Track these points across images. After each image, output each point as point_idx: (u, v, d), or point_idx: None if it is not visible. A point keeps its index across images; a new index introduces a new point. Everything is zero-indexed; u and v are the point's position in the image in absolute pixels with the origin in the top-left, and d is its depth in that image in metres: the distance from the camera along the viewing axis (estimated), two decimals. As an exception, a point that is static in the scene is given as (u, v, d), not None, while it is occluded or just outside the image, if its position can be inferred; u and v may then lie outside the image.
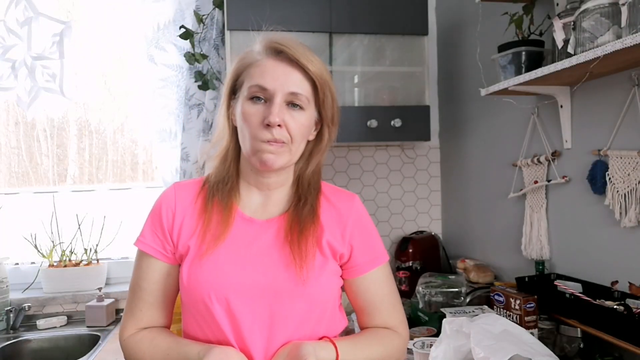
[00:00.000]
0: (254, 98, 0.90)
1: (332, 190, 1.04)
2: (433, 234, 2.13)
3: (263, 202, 0.99)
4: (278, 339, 0.90)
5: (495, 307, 1.38)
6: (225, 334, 0.89)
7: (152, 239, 0.96)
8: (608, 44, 1.00)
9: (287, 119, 0.89)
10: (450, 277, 1.69)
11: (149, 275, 0.96)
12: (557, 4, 1.37)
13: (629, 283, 1.19)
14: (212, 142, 1.01)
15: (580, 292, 1.25)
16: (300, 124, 0.91)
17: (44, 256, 1.96)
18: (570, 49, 1.15)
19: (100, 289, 1.88)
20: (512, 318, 1.30)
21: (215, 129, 1.02)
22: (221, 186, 0.96)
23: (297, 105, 0.91)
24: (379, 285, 1.01)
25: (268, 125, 0.88)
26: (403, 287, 1.96)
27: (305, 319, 0.92)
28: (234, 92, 0.96)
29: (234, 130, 0.97)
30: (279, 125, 0.88)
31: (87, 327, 1.80)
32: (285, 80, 0.89)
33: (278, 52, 0.90)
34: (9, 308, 1.79)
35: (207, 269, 0.90)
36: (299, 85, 0.90)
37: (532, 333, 1.21)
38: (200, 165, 1.87)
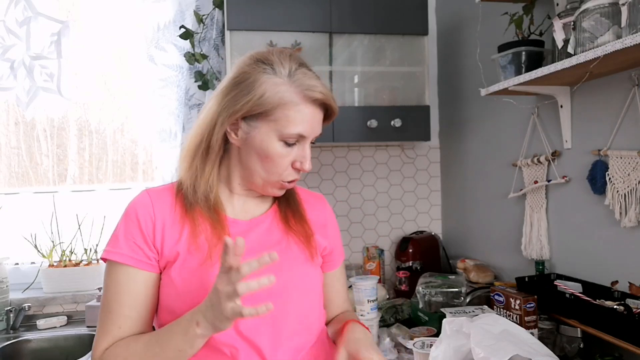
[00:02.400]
0: (289, 142, 0.91)
1: (302, 189, 1.12)
2: (433, 234, 2.13)
3: (243, 204, 1.00)
4: (284, 322, 0.92)
5: (495, 307, 1.38)
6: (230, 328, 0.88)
7: (130, 249, 0.90)
8: (608, 44, 1.00)
9: None
10: (450, 277, 1.68)
11: (130, 287, 0.89)
12: (557, 4, 1.37)
13: (629, 283, 1.19)
14: (189, 146, 0.97)
15: (580, 292, 1.24)
16: None
17: (44, 256, 1.96)
18: (570, 49, 1.15)
19: (100, 289, 1.88)
20: (512, 318, 1.30)
21: None
22: (203, 196, 0.94)
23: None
24: (344, 278, 1.16)
25: (296, 168, 0.94)
26: (403, 287, 1.96)
27: (308, 301, 0.97)
28: (251, 113, 0.91)
29: (222, 143, 0.95)
30: None
31: (87, 327, 1.80)
32: (317, 126, 0.94)
33: (317, 101, 0.92)
34: (9, 308, 1.79)
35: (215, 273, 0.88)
36: (321, 126, 0.96)
37: (532, 333, 1.21)
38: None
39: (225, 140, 0.95)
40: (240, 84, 0.90)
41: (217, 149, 0.94)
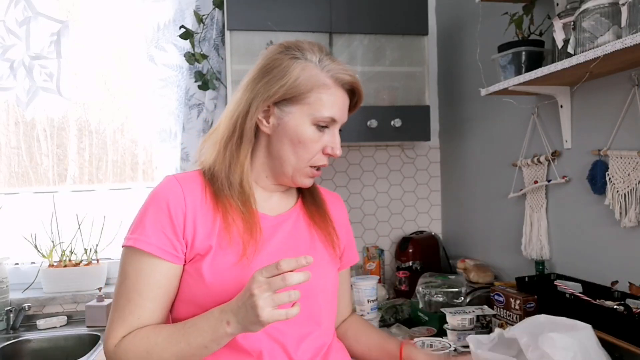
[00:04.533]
0: (321, 126, 0.92)
1: (321, 188, 1.11)
2: (433, 234, 2.13)
3: (270, 198, 1.00)
4: (308, 322, 0.93)
5: (495, 307, 1.38)
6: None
7: (158, 238, 0.87)
8: (608, 44, 1.00)
9: None
10: (450, 277, 1.69)
11: (154, 278, 0.87)
12: (557, 4, 1.37)
13: (629, 283, 1.19)
14: (222, 134, 0.95)
15: (580, 292, 1.24)
16: None
17: (44, 256, 1.96)
18: (570, 49, 1.15)
19: (100, 289, 1.88)
20: (512, 318, 1.30)
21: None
22: (238, 186, 0.93)
23: None
24: (350, 279, 1.20)
25: (327, 154, 0.94)
26: (403, 287, 1.96)
27: (330, 302, 0.99)
28: (285, 98, 0.91)
29: (255, 131, 0.94)
30: None
31: (87, 327, 1.80)
32: (345, 111, 0.97)
33: (346, 85, 0.94)
34: (9, 308, 1.79)
35: (256, 268, 0.86)
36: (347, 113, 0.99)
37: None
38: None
39: (255, 131, 0.94)
40: (272, 70, 0.91)
41: (250, 137, 0.93)
